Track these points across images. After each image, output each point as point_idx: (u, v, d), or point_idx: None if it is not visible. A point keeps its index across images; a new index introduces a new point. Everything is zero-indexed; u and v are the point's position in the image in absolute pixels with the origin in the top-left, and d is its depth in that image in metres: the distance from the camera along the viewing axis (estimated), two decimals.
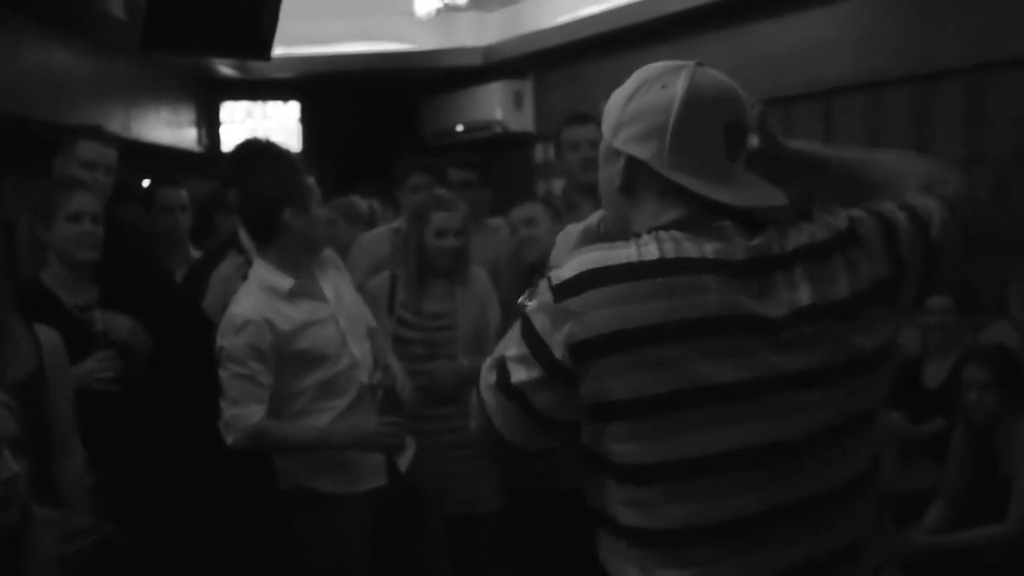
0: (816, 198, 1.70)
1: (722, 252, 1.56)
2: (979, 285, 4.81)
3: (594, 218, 1.80)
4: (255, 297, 3.34)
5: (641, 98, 1.64)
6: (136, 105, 7.68)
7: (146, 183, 5.76)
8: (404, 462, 3.51)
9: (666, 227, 1.60)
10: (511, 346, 1.63)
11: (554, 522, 3.68)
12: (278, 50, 5.58)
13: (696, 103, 1.60)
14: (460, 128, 9.15)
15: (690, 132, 1.60)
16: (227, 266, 3.63)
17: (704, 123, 1.61)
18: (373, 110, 9.32)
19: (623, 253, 1.57)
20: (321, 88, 9.36)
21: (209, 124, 9.42)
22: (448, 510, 3.83)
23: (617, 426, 1.56)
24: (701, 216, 1.60)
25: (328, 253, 3.58)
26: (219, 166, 6.69)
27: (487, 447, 1.70)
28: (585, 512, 1.68)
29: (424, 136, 9.59)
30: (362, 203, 5.60)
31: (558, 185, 5.19)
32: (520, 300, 1.70)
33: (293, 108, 9.83)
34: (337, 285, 3.50)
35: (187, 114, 9.04)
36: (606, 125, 1.69)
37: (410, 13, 8.23)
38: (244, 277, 3.49)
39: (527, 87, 8.85)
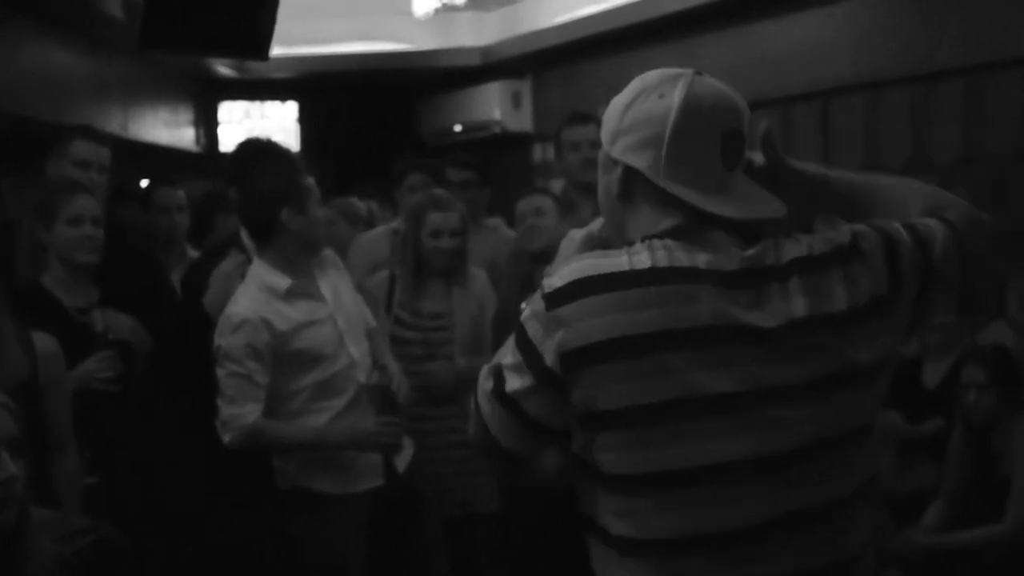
0: (819, 211, 1.69)
1: (715, 262, 1.56)
2: (978, 285, 4.80)
3: (596, 224, 1.80)
4: (253, 296, 3.34)
5: (638, 107, 1.63)
6: (134, 105, 7.67)
7: (144, 183, 5.75)
8: (402, 463, 3.51)
9: (661, 236, 1.60)
10: (507, 354, 1.64)
11: (552, 522, 3.68)
12: (276, 50, 5.58)
13: (693, 113, 1.59)
14: (458, 128, 9.15)
15: (687, 142, 1.60)
16: (228, 264, 3.63)
17: (701, 133, 1.60)
18: (371, 110, 9.32)
19: (615, 262, 1.58)
20: (319, 88, 9.35)
21: (207, 124, 9.42)
22: (446, 510, 3.83)
23: (606, 435, 1.56)
24: (697, 225, 1.60)
25: (328, 253, 3.58)
26: (220, 165, 6.69)
27: (485, 452, 1.70)
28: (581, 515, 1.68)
29: (422, 136, 9.59)
30: (360, 204, 5.60)
31: (557, 185, 5.19)
32: (523, 306, 1.70)
33: (291, 108, 9.82)
34: (336, 285, 3.50)
35: (185, 114, 9.03)
36: (604, 133, 1.69)
37: (408, 13, 8.22)
38: (245, 276, 3.49)
39: (525, 87, 8.85)
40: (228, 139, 9.34)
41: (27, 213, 3.84)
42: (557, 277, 1.59)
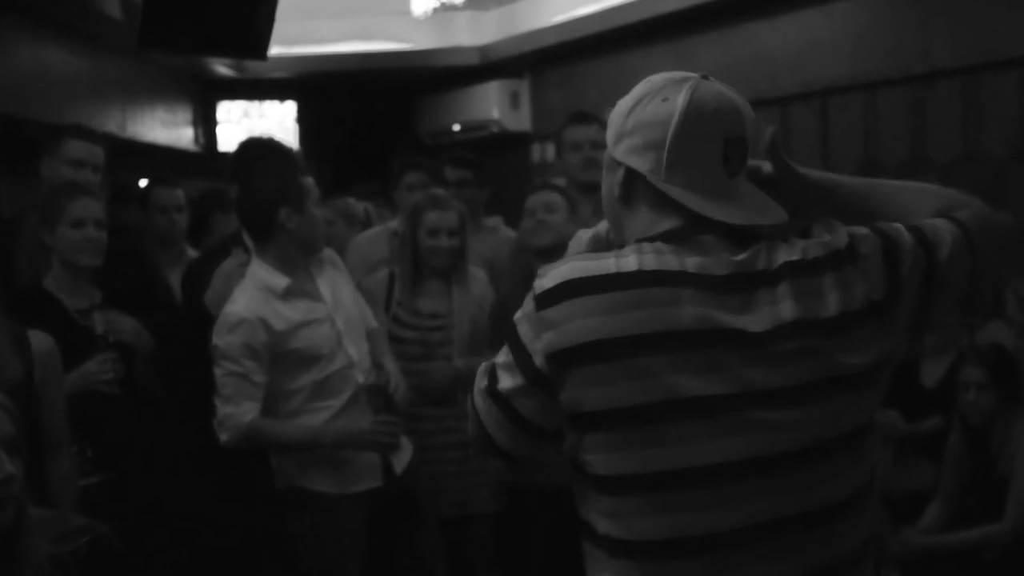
0: (817, 216, 1.68)
1: (704, 266, 1.56)
2: (984, 285, 4.81)
3: (603, 225, 1.80)
4: (251, 296, 3.34)
5: (642, 110, 1.63)
6: (132, 104, 7.67)
7: (143, 183, 5.75)
8: (400, 464, 3.51)
9: (656, 239, 1.60)
10: (502, 352, 1.65)
11: (549, 523, 3.68)
12: (275, 50, 5.58)
13: (696, 117, 1.59)
14: (457, 128, 9.15)
15: (688, 146, 1.60)
16: (231, 263, 3.63)
17: (703, 137, 1.60)
18: (370, 110, 9.33)
19: (602, 264, 1.58)
20: (318, 88, 9.36)
21: (205, 124, 9.41)
22: (443, 511, 3.82)
23: (593, 436, 1.57)
24: (694, 229, 1.60)
25: (327, 253, 3.58)
26: (219, 165, 6.69)
27: (482, 450, 1.71)
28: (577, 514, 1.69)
29: (421, 136, 9.59)
30: (358, 205, 5.60)
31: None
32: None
33: (290, 108, 9.82)
34: (335, 285, 3.50)
35: (183, 114, 9.03)
36: (609, 134, 1.69)
37: (406, 12, 8.22)
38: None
39: (524, 86, 8.85)
40: (227, 139, 9.34)
41: (28, 214, 3.84)
42: (548, 278, 1.60)
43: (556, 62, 8.32)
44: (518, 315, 1.63)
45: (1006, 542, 3.72)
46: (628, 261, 1.57)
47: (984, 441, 3.88)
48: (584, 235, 1.84)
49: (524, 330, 1.60)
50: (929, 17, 5.52)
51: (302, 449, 3.41)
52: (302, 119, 9.79)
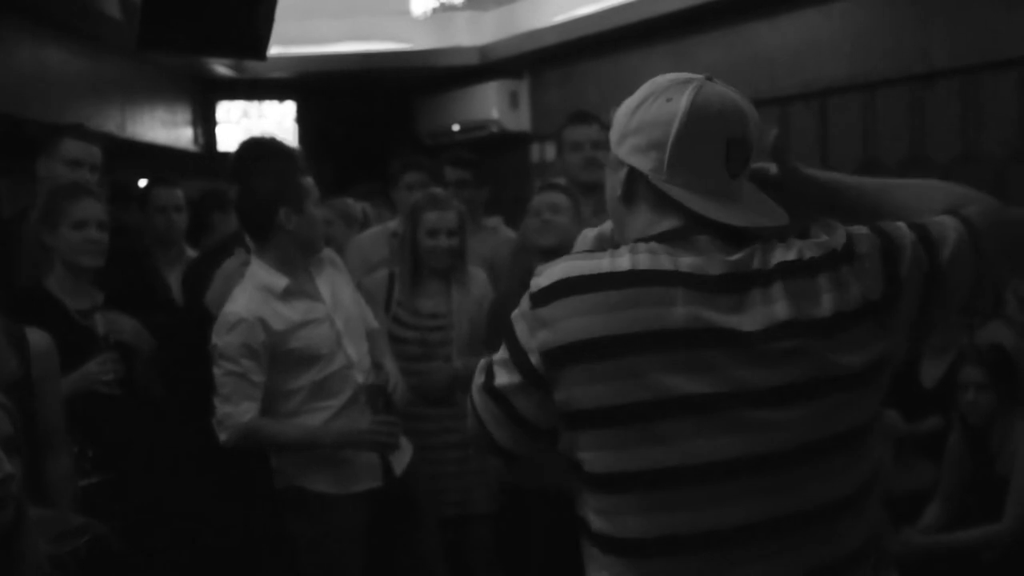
0: (816, 216, 1.68)
1: (698, 266, 1.56)
2: (992, 283, 4.80)
3: (608, 225, 1.80)
4: (250, 296, 3.34)
5: (646, 110, 1.64)
6: (132, 105, 7.67)
7: (142, 183, 5.76)
8: (399, 464, 3.51)
9: (654, 239, 1.61)
10: (500, 350, 1.66)
11: (548, 523, 3.68)
12: (274, 50, 5.58)
13: (699, 118, 1.59)
14: (456, 128, 9.15)
15: (690, 147, 1.60)
16: (232, 262, 3.63)
17: (705, 138, 1.60)
18: (369, 110, 9.32)
19: (596, 263, 1.59)
20: (317, 88, 9.35)
21: (205, 124, 9.41)
22: (442, 511, 3.83)
23: (586, 434, 1.58)
24: (690, 230, 1.60)
25: (327, 253, 3.58)
26: (219, 165, 6.69)
27: (482, 448, 1.72)
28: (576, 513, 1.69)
29: (420, 136, 9.59)
30: (356, 205, 5.60)
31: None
32: None
33: (289, 108, 9.82)
34: (335, 285, 3.50)
35: (183, 114, 9.03)
36: (613, 134, 1.70)
37: (406, 13, 8.22)
38: None
39: (523, 87, 8.85)
40: (226, 139, 9.34)
41: (28, 214, 3.84)
42: (543, 277, 1.61)
43: (556, 62, 8.32)
44: (515, 313, 1.64)
45: (1006, 542, 3.72)
46: (622, 261, 1.58)
47: (984, 441, 3.88)
48: (589, 234, 1.84)
49: (520, 328, 1.62)
50: (928, 17, 5.52)
51: (301, 449, 3.41)
52: (301, 119, 9.78)
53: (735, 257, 1.58)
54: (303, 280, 3.43)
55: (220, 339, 3.30)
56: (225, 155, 7.54)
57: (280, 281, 3.35)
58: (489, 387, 1.66)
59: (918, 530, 3.95)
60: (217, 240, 4.70)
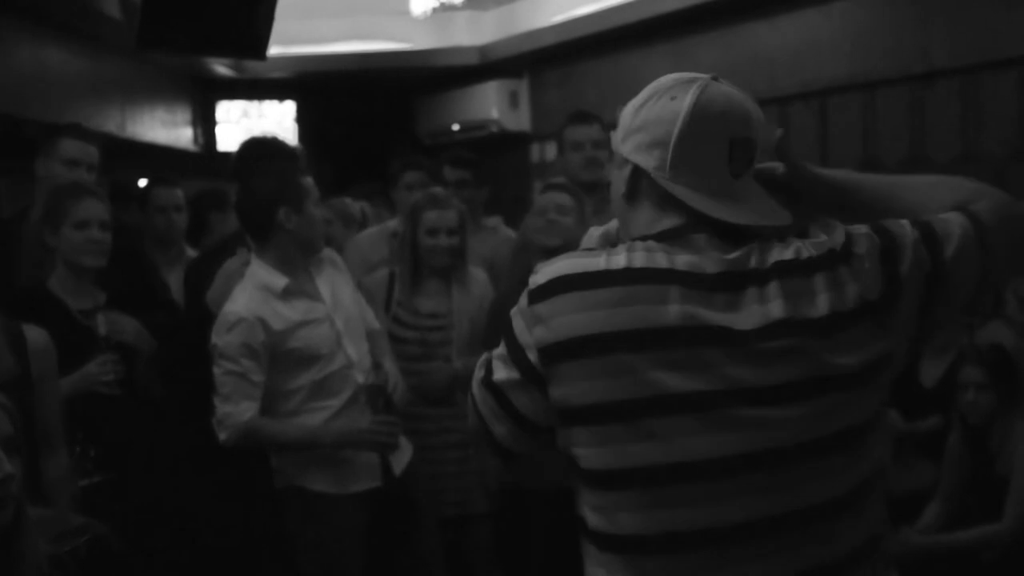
0: (816, 216, 1.67)
1: (694, 264, 1.57)
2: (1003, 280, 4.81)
3: (614, 224, 1.81)
4: (249, 295, 3.34)
5: (650, 108, 1.64)
6: (132, 104, 7.67)
7: (142, 183, 5.76)
8: (399, 464, 3.51)
9: (653, 237, 1.61)
10: (500, 345, 1.68)
11: (547, 523, 3.68)
12: (274, 49, 5.58)
13: (702, 117, 1.60)
14: (456, 127, 9.14)
15: (693, 145, 1.60)
16: (234, 262, 3.64)
17: (708, 137, 1.60)
18: (369, 109, 9.32)
19: (593, 261, 1.60)
20: (317, 87, 9.35)
21: (205, 123, 9.41)
22: (442, 511, 3.82)
23: (579, 431, 1.59)
24: (692, 228, 1.60)
25: (327, 252, 3.58)
26: (219, 165, 6.69)
27: (481, 444, 1.73)
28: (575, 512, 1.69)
29: (420, 135, 9.59)
30: (354, 205, 5.61)
31: None
32: None
33: (289, 107, 9.81)
34: (335, 285, 3.50)
35: (183, 113, 9.02)
36: (618, 132, 1.70)
37: (406, 12, 8.21)
38: None
39: (523, 86, 8.84)
40: (226, 138, 9.34)
41: (27, 214, 3.84)
42: (541, 274, 1.63)
43: (555, 62, 8.32)
44: (514, 310, 1.65)
45: (1005, 542, 3.72)
46: (618, 259, 1.59)
47: (983, 441, 3.88)
48: (595, 232, 1.85)
49: (518, 324, 1.63)
50: (928, 17, 5.52)
51: (301, 449, 3.41)
52: (301, 119, 9.78)
53: (732, 256, 1.58)
54: (303, 280, 3.43)
55: (220, 339, 3.30)
56: (225, 155, 7.54)
57: (280, 281, 3.36)
58: (488, 382, 1.67)
59: (918, 530, 3.95)
60: (216, 239, 4.70)
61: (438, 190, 4.15)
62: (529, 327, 1.61)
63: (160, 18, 5.06)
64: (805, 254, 1.58)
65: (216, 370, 3.30)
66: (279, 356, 3.32)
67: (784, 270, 1.57)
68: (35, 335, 2.87)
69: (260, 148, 3.82)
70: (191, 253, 4.74)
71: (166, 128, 8.58)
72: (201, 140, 9.34)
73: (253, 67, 8.46)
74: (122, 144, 7.22)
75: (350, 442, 3.40)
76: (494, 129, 8.80)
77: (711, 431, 1.53)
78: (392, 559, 3.55)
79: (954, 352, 4.33)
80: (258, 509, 3.60)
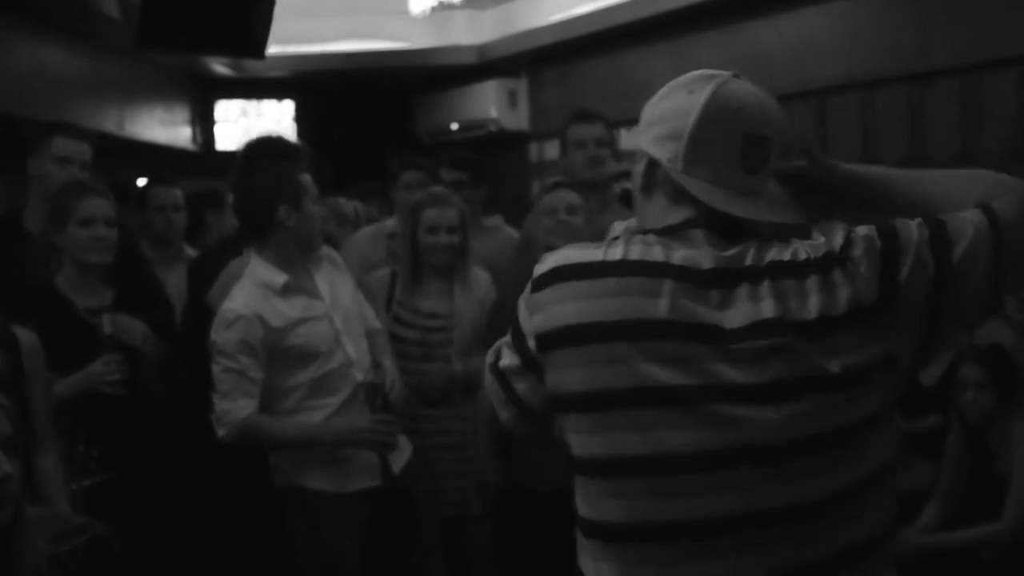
0: (817, 217, 1.66)
1: (690, 259, 1.58)
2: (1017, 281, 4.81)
3: (634, 219, 1.81)
4: (248, 293, 3.34)
5: (668, 101, 1.66)
6: (131, 104, 7.67)
7: (141, 182, 5.76)
8: (398, 463, 3.51)
9: (660, 231, 1.63)
10: (509, 333, 1.72)
11: (546, 523, 3.68)
12: (272, 48, 5.58)
13: (717, 112, 1.61)
14: (455, 127, 9.15)
15: (707, 139, 1.61)
16: (239, 263, 3.63)
17: (722, 132, 1.61)
18: (367, 108, 9.32)
19: (591, 252, 1.63)
20: (315, 87, 9.36)
21: (204, 123, 9.42)
22: (441, 511, 3.82)
23: (570, 418, 1.63)
24: (693, 223, 1.61)
25: (327, 251, 3.57)
26: (218, 164, 6.68)
27: (495, 427, 1.77)
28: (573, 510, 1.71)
29: (418, 135, 9.59)
30: (348, 204, 5.60)
31: None
32: None
33: (288, 107, 9.83)
34: (334, 283, 3.50)
35: (182, 113, 9.03)
36: (639, 124, 1.72)
37: (404, 11, 8.22)
38: None
39: (521, 85, 8.85)
40: (225, 138, 9.35)
41: (23, 212, 3.84)
42: (544, 264, 1.67)
43: (554, 61, 8.32)
44: (520, 297, 1.69)
45: (1005, 542, 3.72)
46: (615, 251, 1.61)
47: (983, 440, 3.88)
48: (619, 227, 1.85)
49: (522, 312, 1.67)
50: (927, 16, 5.52)
51: (299, 447, 3.41)
52: (300, 118, 9.79)
53: (728, 253, 1.58)
54: (302, 277, 3.42)
55: (218, 336, 3.30)
56: (224, 154, 7.54)
57: (279, 278, 3.35)
58: (495, 367, 1.73)
59: (917, 529, 3.95)
60: (213, 238, 4.70)
61: (439, 188, 4.14)
62: (530, 314, 1.65)
63: (159, 17, 5.06)
64: (802, 255, 1.57)
65: (215, 367, 3.30)
66: (278, 353, 3.32)
67: (778, 270, 1.56)
68: (23, 334, 2.88)
69: (261, 147, 3.81)
70: (190, 252, 4.74)
71: (165, 127, 8.58)
72: (200, 139, 9.35)
73: (252, 66, 8.47)
74: (121, 143, 7.22)
75: (349, 440, 3.39)
76: (493, 128, 8.81)
77: (694, 425, 1.54)
78: (391, 558, 3.54)
79: (954, 351, 4.33)
80: (257, 508, 3.59)
